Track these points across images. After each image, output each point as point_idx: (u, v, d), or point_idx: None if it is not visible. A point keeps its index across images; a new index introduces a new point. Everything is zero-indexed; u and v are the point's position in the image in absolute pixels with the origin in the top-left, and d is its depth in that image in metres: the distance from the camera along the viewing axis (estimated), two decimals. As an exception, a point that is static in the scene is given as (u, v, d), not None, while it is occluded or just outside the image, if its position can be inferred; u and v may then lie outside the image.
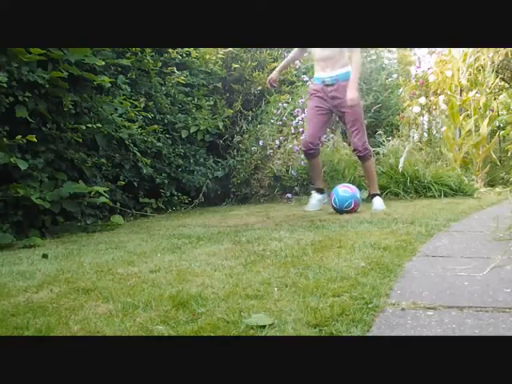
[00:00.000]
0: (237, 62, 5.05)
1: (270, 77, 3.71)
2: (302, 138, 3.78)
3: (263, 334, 1.09)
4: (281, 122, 4.89)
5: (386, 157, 4.66)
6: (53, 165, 3.10)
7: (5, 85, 2.62)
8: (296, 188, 4.59)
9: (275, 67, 4.06)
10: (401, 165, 4.28)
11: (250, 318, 1.17)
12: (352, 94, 3.27)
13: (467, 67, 5.67)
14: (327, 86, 3.40)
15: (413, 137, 5.96)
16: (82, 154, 3.28)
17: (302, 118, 4.87)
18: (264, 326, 1.12)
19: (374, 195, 3.54)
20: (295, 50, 3.77)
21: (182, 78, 4.40)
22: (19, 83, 2.78)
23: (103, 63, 3.20)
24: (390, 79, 6.78)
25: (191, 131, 4.44)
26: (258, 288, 1.44)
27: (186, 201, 4.38)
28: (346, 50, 3.42)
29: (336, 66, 3.37)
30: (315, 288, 1.40)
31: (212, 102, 4.75)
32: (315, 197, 3.65)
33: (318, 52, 3.41)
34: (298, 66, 5.57)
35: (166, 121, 4.30)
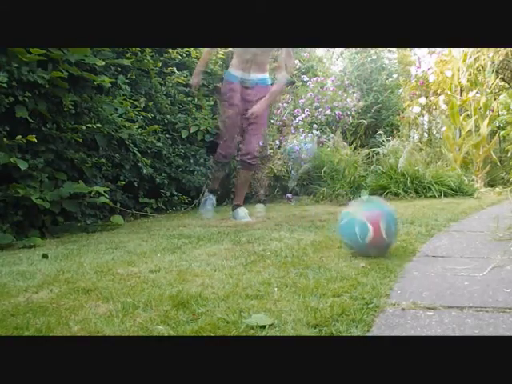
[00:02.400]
0: (237, 62, 5.05)
1: (195, 83, 3.47)
2: (221, 146, 3.37)
3: (263, 334, 1.09)
4: (281, 122, 4.89)
5: (386, 157, 4.66)
6: (53, 165, 3.10)
7: (5, 85, 2.62)
8: (296, 188, 4.59)
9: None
10: (400, 165, 4.28)
11: (250, 318, 1.17)
12: (257, 108, 3.14)
13: (467, 67, 5.67)
14: (246, 88, 3.22)
15: (413, 137, 5.96)
16: (82, 154, 3.28)
17: (302, 118, 4.88)
18: (264, 326, 1.12)
19: (238, 206, 3.39)
20: (206, 50, 3.53)
21: (182, 78, 4.40)
22: (19, 83, 2.78)
23: (103, 63, 3.20)
24: (390, 79, 6.79)
25: (191, 131, 4.44)
26: (258, 288, 1.44)
27: (186, 201, 4.37)
28: (270, 55, 3.29)
29: (259, 69, 3.21)
30: (315, 288, 1.40)
31: (212, 102, 4.75)
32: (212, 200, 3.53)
33: (240, 51, 3.22)
34: (298, 66, 5.57)
35: (166, 121, 4.30)
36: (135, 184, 3.89)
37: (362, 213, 1.76)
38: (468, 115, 5.69)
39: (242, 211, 3.33)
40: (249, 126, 3.24)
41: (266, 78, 3.27)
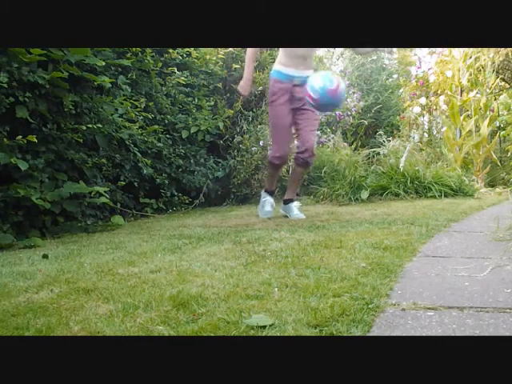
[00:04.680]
0: (237, 63, 5.05)
1: (244, 90, 3.25)
2: (273, 148, 3.20)
3: (263, 335, 1.09)
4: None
5: (386, 157, 4.66)
6: (53, 165, 3.10)
7: (5, 85, 2.62)
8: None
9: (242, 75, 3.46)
10: (402, 164, 4.27)
11: (251, 319, 1.17)
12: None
13: (467, 67, 5.67)
14: (295, 86, 3.06)
15: (413, 137, 5.96)
16: (82, 154, 3.28)
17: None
18: (264, 327, 1.12)
19: (291, 200, 3.37)
20: (251, 51, 3.27)
21: (183, 78, 4.40)
22: (19, 83, 2.78)
23: (104, 63, 3.20)
24: (390, 80, 6.79)
25: (192, 131, 4.44)
26: (258, 288, 1.44)
27: (187, 201, 4.37)
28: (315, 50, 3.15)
29: (309, 66, 3.09)
30: (316, 288, 1.40)
31: (212, 103, 4.75)
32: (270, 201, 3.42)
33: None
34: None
35: (166, 121, 4.30)
36: (135, 184, 3.89)
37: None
38: (468, 115, 5.69)
39: (296, 207, 3.33)
40: (303, 122, 3.11)
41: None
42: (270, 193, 3.41)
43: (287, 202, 3.36)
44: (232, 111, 4.86)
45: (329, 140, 4.94)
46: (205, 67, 4.80)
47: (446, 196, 4.25)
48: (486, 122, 5.41)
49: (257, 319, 1.16)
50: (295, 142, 3.38)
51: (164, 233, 2.76)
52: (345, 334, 1.07)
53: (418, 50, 7.01)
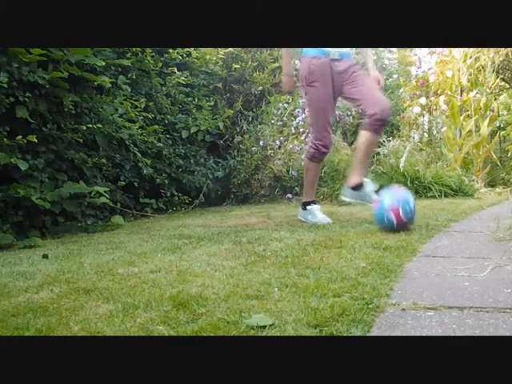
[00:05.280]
0: (237, 63, 5.06)
1: (288, 86, 3.03)
2: (316, 135, 2.77)
3: (264, 335, 1.09)
4: (281, 123, 4.89)
5: (386, 157, 4.66)
6: (53, 165, 3.10)
7: (5, 85, 2.62)
8: (296, 188, 4.59)
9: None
10: (402, 164, 4.27)
11: (251, 319, 1.17)
12: (379, 74, 2.76)
13: (467, 67, 5.67)
14: (333, 60, 2.71)
15: (413, 137, 5.95)
16: (82, 154, 3.28)
17: (303, 119, 4.87)
18: (264, 327, 1.12)
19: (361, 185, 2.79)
20: (285, 54, 3.08)
21: (183, 78, 4.40)
22: (19, 83, 2.79)
23: (104, 63, 3.20)
24: (390, 79, 6.79)
25: (191, 131, 4.44)
26: (258, 288, 1.44)
27: (187, 201, 4.38)
28: None
29: None
30: (316, 288, 1.40)
31: (212, 103, 4.75)
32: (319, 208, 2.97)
33: None
34: (298, 66, 5.57)
35: (166, 121, 4.30)
36: (135, 184, 3.89)
37: (387, 205, 2.31)
38: (468, 115, 5.68)
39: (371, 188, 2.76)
40: (355, 89, 2.70)
41: (347, 52, 2.80)
42: (314, 202, 2.95)
43: (357, 187, 2.78)
44: (232, 111, 4.87)
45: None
46: (205, 67, 4.80)
47: (445, 196, 4.25)
48: (486, 122, 5.40)
49: (257, 319, 1.16)
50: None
51: (164, 233, 2.76)
52: (345, 334, 1.07)
53: (417, 50, 7.00)
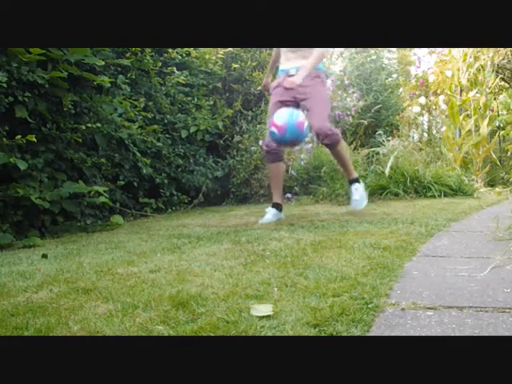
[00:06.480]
0: (237, 62, 5.06)
1: (264, 84, 3.44)
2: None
3: (263, 334, 1.09)
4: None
5: (385, 157, 4.66)
6: (52, 165, 3.10)
7: (4, 85, 2.62)
8: (296, 188, 4.59)
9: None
10: (387, 171, 4.24)
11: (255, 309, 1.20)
12: (295, 77, 2.92)
13: (467, 67, 5.67)
14: (290, 76, 2.99)
15: (413, 137, 5.96)
16: (81, 153, 3.28)
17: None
18: (268, 316, 1.14)
19: (353, 181, 3.16)
20: (275, 50, 3.36)
21: (182, 78, 4.40)
22: (19, 83, 2.78)
23: (103, 63, 3.20)
24: (389, 79, 6.79)
25: (191, 131, 4.44)
26: (257, 288, 1.44)
27: (186, 201, 4.38)
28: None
29: (302, 58, 2.97)
30: (315, 288, 1.40)
31: (212, 102, 4.75)
32: (271, 212, 3.07)
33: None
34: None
35: (165, 121, 4.30)
36: (135, 184, 3.89)
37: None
38: (468, 115, 5.69)
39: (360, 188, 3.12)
40: (309, 110, 2.96)
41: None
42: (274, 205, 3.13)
43: (353, 181, 3.16)
44: (231, 111, 4.86)
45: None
46: (204, 67, 4.80)
47: (445, 196, 4.25)
48: (486, 121, 5.41)
49: (259, 311, 1.18)
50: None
51: (163, 232, 2.76)
52: (344, 334, 1.07)
53: (417, 50, 7.00)
